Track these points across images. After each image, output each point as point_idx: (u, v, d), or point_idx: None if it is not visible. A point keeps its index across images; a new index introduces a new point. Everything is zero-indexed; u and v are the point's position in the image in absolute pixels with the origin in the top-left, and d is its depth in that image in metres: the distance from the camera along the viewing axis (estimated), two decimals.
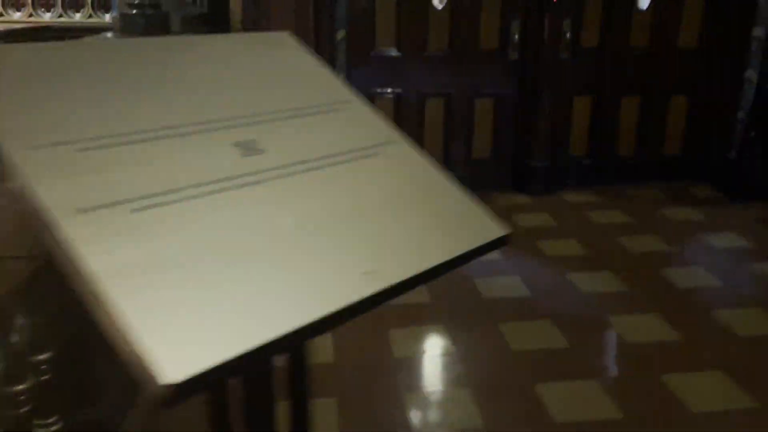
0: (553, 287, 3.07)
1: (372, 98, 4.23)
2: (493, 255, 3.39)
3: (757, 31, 4.03)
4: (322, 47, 3.93)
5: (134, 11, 2.88)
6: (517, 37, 4.21)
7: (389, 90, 4.26)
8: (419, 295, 2.97)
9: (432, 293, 2.99)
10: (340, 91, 0.97)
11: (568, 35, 4.18)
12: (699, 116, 4.47)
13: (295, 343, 0.65)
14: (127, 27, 2.93)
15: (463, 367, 2.44)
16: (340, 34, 3.95)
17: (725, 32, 4.25)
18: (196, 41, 1.03)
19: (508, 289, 3.04)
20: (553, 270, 3.24)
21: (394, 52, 4.20)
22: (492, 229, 0.86)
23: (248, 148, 0.80)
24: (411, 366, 2.44)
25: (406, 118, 4.31)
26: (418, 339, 2.62)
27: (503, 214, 4.15)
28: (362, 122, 0.94)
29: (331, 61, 3.95)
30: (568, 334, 2.63)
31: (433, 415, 2.20)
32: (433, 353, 2.54)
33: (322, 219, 0.76)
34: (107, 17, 3.59)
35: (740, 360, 2.44)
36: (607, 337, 2.62)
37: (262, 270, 0.66)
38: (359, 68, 4.11)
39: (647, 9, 4.26)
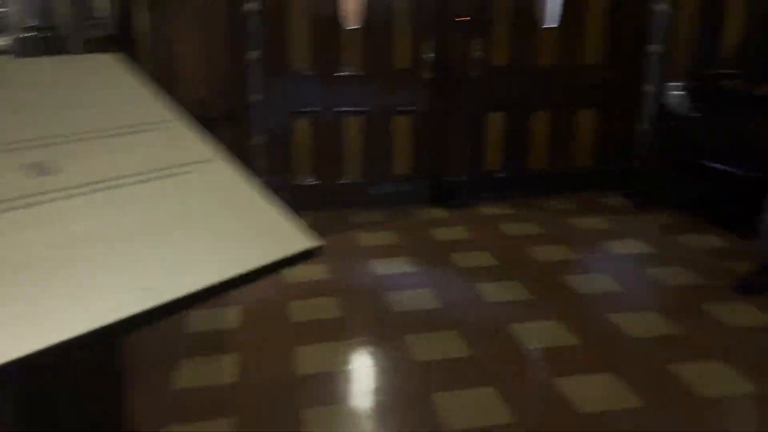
0: (462, 298, 3.14)
1: (290, 117, 4.27)
2: (407, 268, 3.47)
3: (652, 47, 4.27)
4: (236, 67, 3.94)
5: (28, 34, 2.83)
6: (429, 56, 4.33)
7: (307, 109, 4.29)
8: (329, 311, 2.99)
9: (342, 308, 3.02)
10: (158, 112, 0.99)
11: (478, 54, 4.32)
12: (606, 129, 4.69)
13: (58, 356, 0.65)
14: (22, 50, 2.88)
15: (365, 381, 2.47)
16: (255, 54, 3.97)
17: (625, 49, 4.48)
18: (15, 64, 1.03)
19: (418, 301, 3.09)
20: (464, 281, 3.31)
21: (309, 72, 4.24)
22: (297, 241, 0.89)
23: (40, 169, 0.80)
24: (315, 382, 2.44)
25: (325, 137, 4.36)
26: (324, 355, 2.63)
27: (421, 228, 4.24)
28: (176, 142, 0.96)
29: (244, 80, 3.96)
30: (471, 343, 2.69)
31: (331, 429, 2.21)
32: (338, 369, 2.55)
33: (109, 237, 0.77)
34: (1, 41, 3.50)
35: (631, 362, 2.55)
36: (508, 345, 2.69)
37: (26, 288, 0.67)
38: (276, 88, 4.13)
39: (552, 28, 4.45)
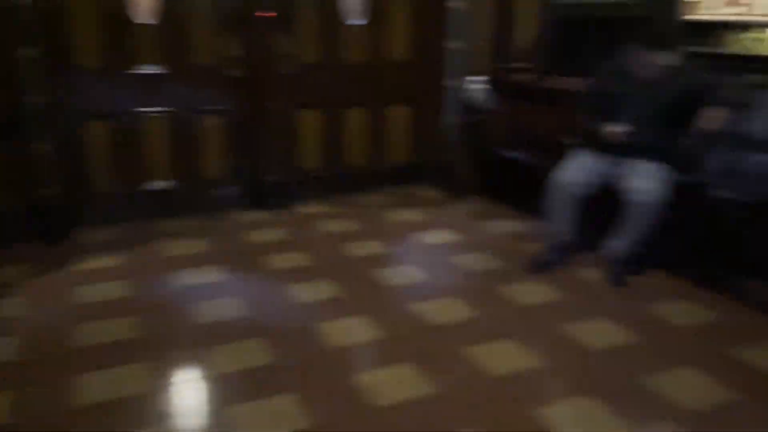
0: (271, 303, 3.04)
1: (81, 121, 3.88)
2: (216, 277, 3.31)
3: (453, 44, 4.46)
4: (6, 66, 3.49)
5: None
6: (235, 53, 4.17)
7: (102, 111, 3.93)
8: (124, 332, 2.74)
9: (140, 327, 2.78)
10: None
11: (286, 51, 4.24)
12: (418, 124, 4.83)
13: None
14: None
15: (159, 404, 2.27)
16: (31, 51, 3.54)
17: (429, 45, 4.64)
18: None
19: (225, 311, 2.93)
20: (276, 285, 3.22)
21: (101, 71, 3.88)
22: None
23: None
24: (101, 412, 2.21)
25: (125, 141, 4.03)
26: (114, 380, 2.39)
27: (236, 232, 4.07)
28: None
29: (18, 81, 3.52)
30: (276, 349, 2.60)
31: None
32: (129, 393, 2.32)
33: None
34: None
35: (430, 349, 2.61)
36: (313, 347, 2.63)
37: None
38: (61, 89, 3.72)
39: (361, 24, 4.49)
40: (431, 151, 4.79)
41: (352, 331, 2.76)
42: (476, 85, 4.50)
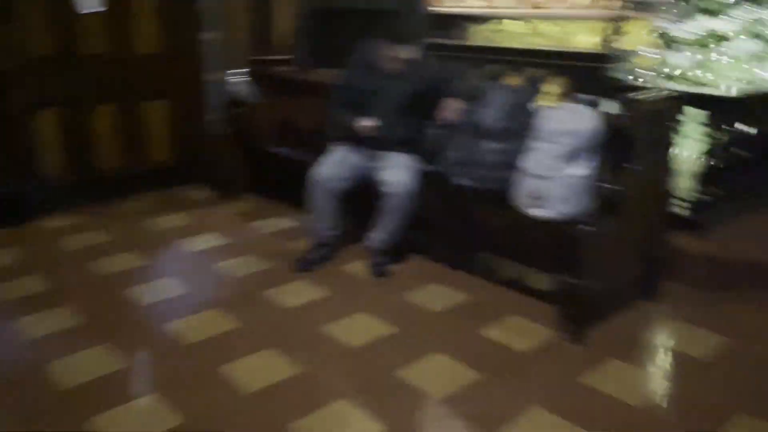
0: None
1: None
2: None
3: (209, 35, 4.19)
4: None
5: None
6: None
7: None
8: None
9: None
10: None
11: (8, 42, 3.63)
12: (178, 120, 4.48)
13: None
14: None
15: None
16: None
17: (183, 36, 4.31)
18: None
19: None
20: (0, 320, 2.74)
21: None
22: None
23: None
24: None
25: None
26: None
27: None
28: None
29: None
30: None
31: None
32: None
33: None
34: None
35: (181, 374, 2.38)
36: (39, 391, 2.26)
37: None
38: None
39: (98, 13, 4.00)
40: (196, 148, 4.48)
41: (90, 365, 2.42)
42: (237, 78, 4.30)
